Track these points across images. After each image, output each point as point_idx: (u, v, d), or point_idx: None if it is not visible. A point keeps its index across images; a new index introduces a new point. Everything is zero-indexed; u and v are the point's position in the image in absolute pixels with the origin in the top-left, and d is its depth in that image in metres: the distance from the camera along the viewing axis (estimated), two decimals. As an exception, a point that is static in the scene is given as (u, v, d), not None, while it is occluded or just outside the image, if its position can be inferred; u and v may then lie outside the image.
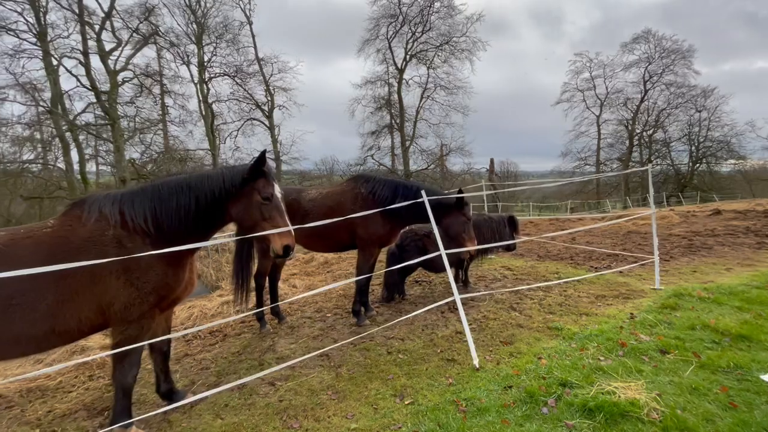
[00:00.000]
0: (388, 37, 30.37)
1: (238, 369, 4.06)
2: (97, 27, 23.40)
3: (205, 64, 26.80)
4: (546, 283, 5.49)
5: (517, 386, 2.98)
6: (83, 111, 25.51)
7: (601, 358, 3.26)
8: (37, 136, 26.45)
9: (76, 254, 2.55)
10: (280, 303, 5.37)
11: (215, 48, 27.05)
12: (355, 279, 4.78)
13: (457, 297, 3.61)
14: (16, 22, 21.96)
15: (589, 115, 39.94)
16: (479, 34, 30.61)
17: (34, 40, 21.55)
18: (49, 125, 24.36)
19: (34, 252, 2.47)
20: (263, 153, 3.03)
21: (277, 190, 3.10)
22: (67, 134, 23.83)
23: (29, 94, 24.52)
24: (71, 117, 24.41)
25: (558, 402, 2.70)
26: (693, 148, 36.74)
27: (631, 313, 4.24)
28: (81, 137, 25.14)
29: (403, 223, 4.97)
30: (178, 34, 25.96)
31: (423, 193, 3.93)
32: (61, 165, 25.33)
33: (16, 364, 4.85)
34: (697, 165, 37.17)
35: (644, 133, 38.68)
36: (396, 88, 31.68)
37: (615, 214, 17.25)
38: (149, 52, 26.94)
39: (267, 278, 5.32)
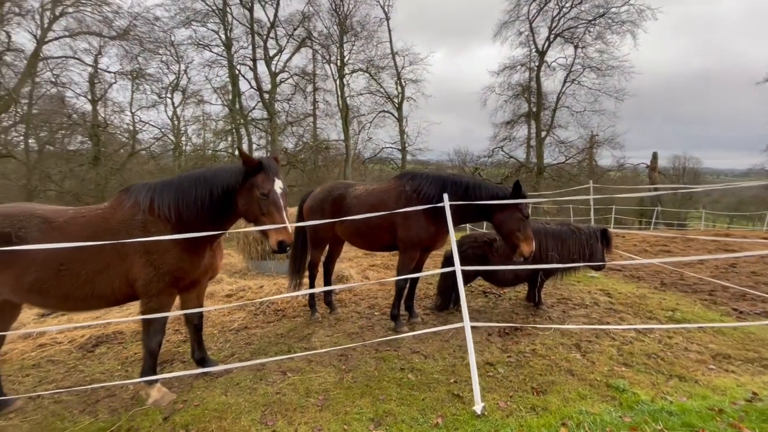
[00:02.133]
0: (530, 17, 27.49)
1: (269, 351, 4.32)
2: (264, 36, 27.96)
3: (345, 61, 29.21)
4: (645, 326, 4.18)
5: (509, 453, 2.34)
6: (253, 108, 30.98)
7: (655, 450, 2.29)
8: (227, 128, 33.43)
9: (112, 234, 3.05)
10: (314, 291, 5.33)
11: (353, 46, 29.18)
12: (393, 279, 4.53)
13: (467, 324, 3.03)
14: (213, 39, 28.03)
15: (826, 94, 28.36)
16: (648, 1, 24.83)
17: (219, 51, 27.10)
18: (230, 121, 30.48)
19: (82, 229, 3.05)
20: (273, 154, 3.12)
21: (278, 186, 3.12)
22: (241, 128, 29.50)
23: (219, 96, 31.11)
24: (245, 113, 29.98)
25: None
26: None
27: (754, 392, 2.86)
28: (251, 129, 30.74)
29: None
30: (324, 35, 28.93)
31: (445, 196, 3.38)
32: (236, 152, 31.53)
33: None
34: None
35: None
36: (535, 73, 28.64)
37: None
38: (304, 54, 30.83)
39: (320, 267, 5.52)
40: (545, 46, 27.80)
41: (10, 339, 4.56)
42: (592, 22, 25.67)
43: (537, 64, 28.25)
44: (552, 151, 28.98)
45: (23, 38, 26.89)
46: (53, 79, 25.15)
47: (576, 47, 26.79)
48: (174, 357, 4.35)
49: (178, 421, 2.99)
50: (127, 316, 5.94)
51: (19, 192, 25.03)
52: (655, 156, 28.12)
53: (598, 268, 4.93)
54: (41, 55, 23.09)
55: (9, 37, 22.12)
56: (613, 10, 24.82)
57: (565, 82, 27.57)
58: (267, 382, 3.57)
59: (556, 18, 26.89)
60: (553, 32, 27.27)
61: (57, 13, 22.95)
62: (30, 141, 27.15)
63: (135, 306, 5.87)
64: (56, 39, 23.57)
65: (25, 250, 2.81)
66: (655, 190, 19.73)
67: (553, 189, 26.50)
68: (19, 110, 25.07)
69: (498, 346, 4.03)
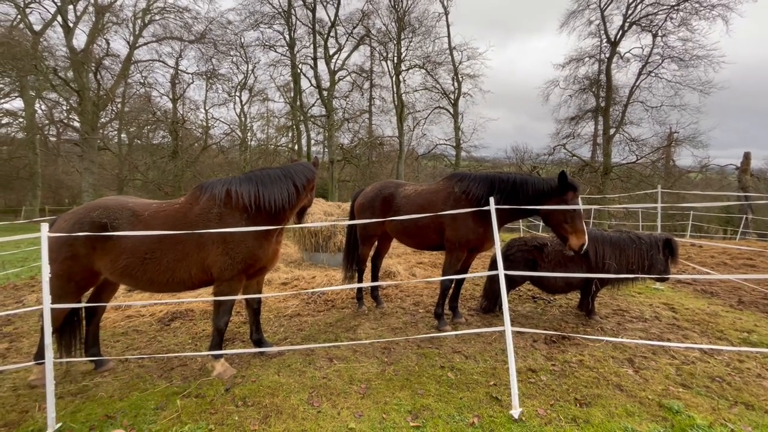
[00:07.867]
0: (601, 5, 25.51)
1: (318, 338, 4.62)
2: (325, 36, 28.92)
3: (402, 57, 29.29)
4: (712, 346, 3.86)
5: (543, 459, 2.35)
6: (312, 105, 32.28)
7: (706, 477, 2.17)
8: (288, 124, 35.25)
9: (190, 226, 3.44)
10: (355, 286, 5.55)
11: (410, 42, 29.15)
12: (439, 279, 4.60)
13: (508, 329, 3.02)
14: (278, 40, 29.53)
15: None
16: (746, -20, 21.84)
17: (283, 51, 28.48)
18: (291, 117, 32.02)
19: (163, 222, 3.46)
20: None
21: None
22: (301, 124, 30.85)
23: (282, 94, 32.78)
24: (305, 110, 31.31)
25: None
26: None
27: (838, 432, 2.55)
28: (310, 126, 32.08)
29: (500, 223, 4.42)
30: (383, 33, 29.23)
31: (491, 200, 3.38)
32: (296, 147, 33.11)
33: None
34: None
35: None
36: (605, 65, 26.59)
37: None
38: (362, 51, 31.43)
39: (369, 263, 5.73)
40: (618, 36, 25.69)
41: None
42: (676, 8, 23.21)
43: (608, 55, 26.23)
44: (621, 150, 26.80)
45: (118, 44, 30.37)
46: (142, 81, 28.22)
47: (655, 36, 24.42)
48: (235, 336, 4.81)
49: (237, 393, 3.34)
50: (196, 297, 6.64)
51: (112, 181, 28.53)
52: (747, 156, 24.80)
53: (661, 280, 4.60)
54: (132, 59, 25.95)
55: (108, 44, 25.15)
56: (701, -8, 22.23)
57: (640, 74, 25.29)
58: (315, 367, 3.84)
59: (633, 4, 24.71)
60: (628, 20, 25.11)
61: (146, 21, 25.63)
62: (122, 136, 30.68)
63: (205, 288, 6.61)
64: (145, 44, 26.33)
65: (118, 238, 3.30)
66: (744, 197, 17.51)
67: (620, 191, 24.52)
68: (114, 108, 28.47)
69: (543, 353, 3.95)
